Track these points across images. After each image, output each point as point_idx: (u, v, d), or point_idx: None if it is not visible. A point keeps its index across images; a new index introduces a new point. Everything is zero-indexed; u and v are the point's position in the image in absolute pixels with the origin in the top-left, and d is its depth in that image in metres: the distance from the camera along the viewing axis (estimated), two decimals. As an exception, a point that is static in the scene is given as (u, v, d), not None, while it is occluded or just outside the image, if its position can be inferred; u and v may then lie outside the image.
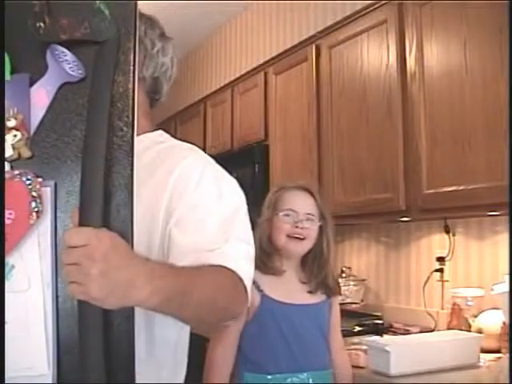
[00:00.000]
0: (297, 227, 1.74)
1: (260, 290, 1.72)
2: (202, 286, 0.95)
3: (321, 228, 1.79)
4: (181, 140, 1.22)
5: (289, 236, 1.75)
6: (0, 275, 0.88)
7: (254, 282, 1.73)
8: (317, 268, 1.79)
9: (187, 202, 1.06)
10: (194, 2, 3.44)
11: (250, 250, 1.10)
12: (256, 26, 3.42)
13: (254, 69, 3.37)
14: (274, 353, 1.70)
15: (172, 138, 1.22)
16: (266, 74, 3.22)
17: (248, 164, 3.20)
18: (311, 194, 1.80)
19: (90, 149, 0.87)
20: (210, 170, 1.13)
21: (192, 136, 4.09)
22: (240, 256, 1.05)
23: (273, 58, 3.19)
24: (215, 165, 1.16)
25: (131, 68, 0.94)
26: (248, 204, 1.12)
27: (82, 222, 0.83)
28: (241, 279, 1.03)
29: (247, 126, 3.37)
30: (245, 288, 1.04)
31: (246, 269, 1.05)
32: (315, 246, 1.79)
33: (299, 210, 1.76)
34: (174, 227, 1.05)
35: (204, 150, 1.18)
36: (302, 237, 1.75)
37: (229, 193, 1.12)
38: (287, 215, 1.76)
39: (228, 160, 3.46)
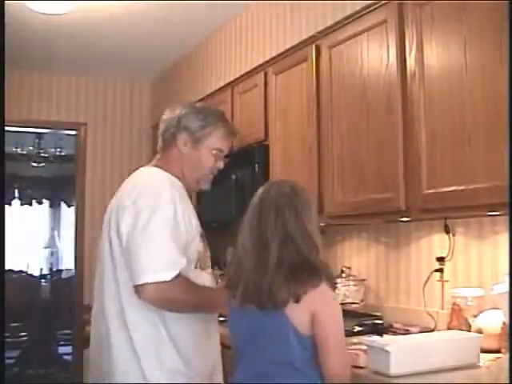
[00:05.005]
0: None
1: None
2: None
3: None
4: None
5: None
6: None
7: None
8: None
9: None
10: (193, 2, 3.43)
11: None
12: (256, 26, 3.41)
13: (254, 69, 3.37)
14: (239, 357, 1.72)
15: None
16: (265, 74, 3.22)
17: (248, 164, 3.20)
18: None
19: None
20: None
21: (192, 136, 4.07)
22: None
23: (273, 58, 3.19)
24: None
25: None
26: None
27: None
28: None
29: (247, 126, 3.36)
30: None
31: None
32: None
33: None
34: None
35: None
36: None
37: None
38: None
39: (228, 160, 3.47)
